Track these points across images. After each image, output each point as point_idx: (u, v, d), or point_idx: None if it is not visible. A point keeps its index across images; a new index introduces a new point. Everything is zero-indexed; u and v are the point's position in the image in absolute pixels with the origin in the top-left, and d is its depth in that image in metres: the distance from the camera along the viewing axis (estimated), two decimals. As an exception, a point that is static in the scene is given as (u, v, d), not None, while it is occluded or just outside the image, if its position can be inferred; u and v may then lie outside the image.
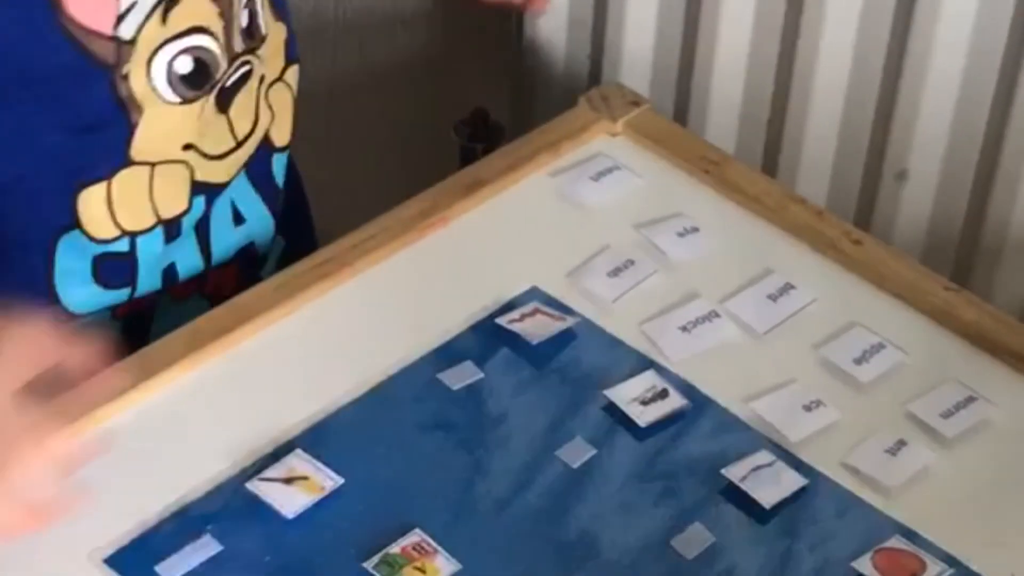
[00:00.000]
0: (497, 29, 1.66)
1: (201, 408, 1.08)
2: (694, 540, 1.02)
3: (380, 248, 1.17)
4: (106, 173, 1.11)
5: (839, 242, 1.22)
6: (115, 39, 1.07)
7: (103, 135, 1.10)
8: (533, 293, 1.16)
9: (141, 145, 1.11)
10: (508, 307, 1.15)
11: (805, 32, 1.47)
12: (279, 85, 1.21)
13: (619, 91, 1.34)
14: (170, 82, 1.10)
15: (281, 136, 1.23)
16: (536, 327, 1.14)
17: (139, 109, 1.10)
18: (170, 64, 1.09)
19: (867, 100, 1.48)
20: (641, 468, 1.06)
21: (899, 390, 1.11)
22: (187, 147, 1.14)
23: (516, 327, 1.14)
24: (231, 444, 1.05)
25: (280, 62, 1.21)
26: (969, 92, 1.43)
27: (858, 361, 1.13)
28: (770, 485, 1.04)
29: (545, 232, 1.22)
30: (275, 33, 1.19)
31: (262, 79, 1.18)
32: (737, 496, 1.04)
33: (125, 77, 1.08)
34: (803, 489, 1.04)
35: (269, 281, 1.15)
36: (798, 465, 1.06)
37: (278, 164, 1.23)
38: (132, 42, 1.07)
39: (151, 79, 1.09)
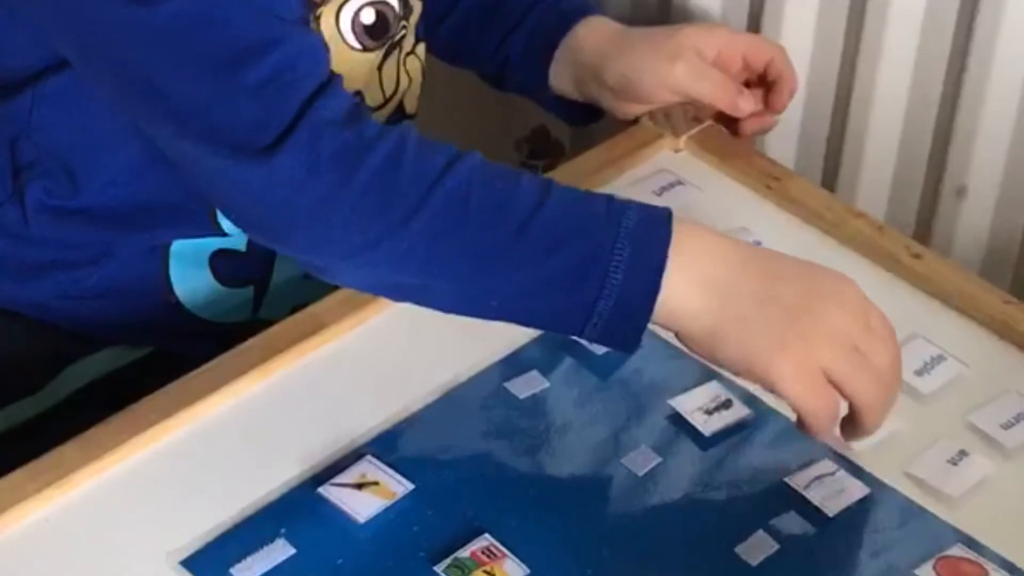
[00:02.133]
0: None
1: (275, 414, 1.10)
2: (758, 547, 1.03)
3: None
4: None
5: (899, 256, 1.23)
6: None
7: None
8: (598, 304, 1.18)
9: None
10: (574, 318, 1.17)
11: (865, 49, 1.48)
12: (412, 57, 1.28)
13: (681, 107, 1.35)
14: (354, 29, 1.18)
15: (411, 104, 1.29)
16: (601, 338, 1.16)
17: (327, 49, 1.14)
18: (356, 13, 1.17)
19: (926, 117, 1.49)
20: (705, 476, 1.07)
21: (960, 401, 1.13)
22: (356, 93, 1.20)
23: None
24: (304, 450, 1.07)
25: (413, 36, 1.28)
26: (1028, 109, 1.44)
27: (919, 372, 1.14)
28: (833, 494, 1.05)
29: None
30: (416, 8, 1.27)
31: (401, 47, 1.25)
32: (800, 504, 1.05)
33: (317, 19, 1.15)
34: (866, 498, 1.06)
35: (341, 291, 1.17)
36: (860, 474, 1.07)
37: None
38: None
39: (339, 23, 1.17)
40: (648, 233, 1.02)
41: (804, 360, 1.01)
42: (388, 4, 1.21)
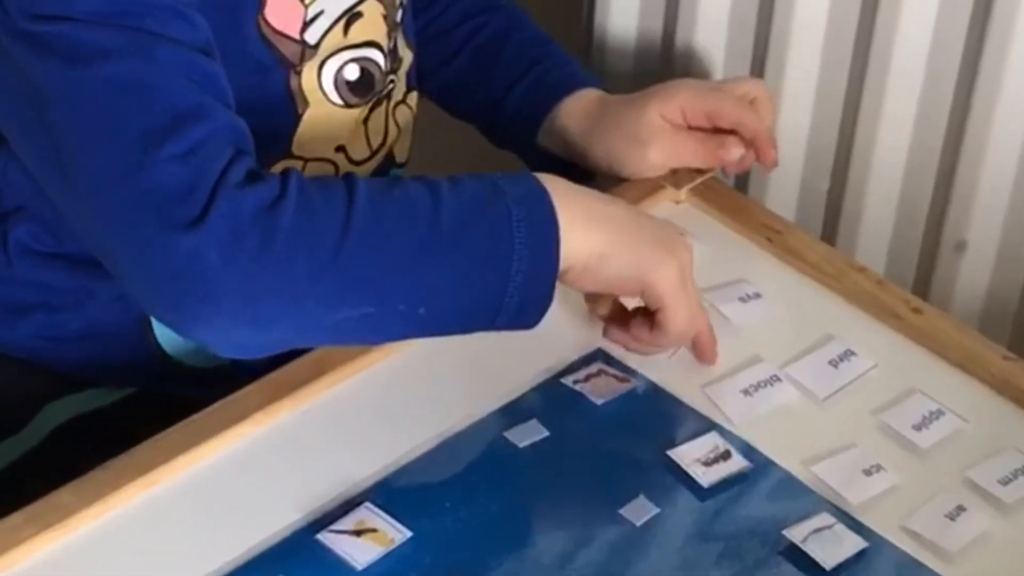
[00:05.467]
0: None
1: (274, 460, 1.10)
2: (755, 599, 1.03)
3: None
4: (268, 162, 1.18)
5: (899, 310, 1.24)
6: (301, 43, 1.17)
7: (272, 123, 1.18)
8: (598, 354, 1.19)
9: (302, 139, 1.20)
10: (574, 367, 1.17)
11: (866, 103, 1.49)
12: (403, 106, 1.29)
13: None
14: (336, 85, 1.20)
15: (401, 153, 1.31)
16: (601, 387, 1.16)
17: (306, 104, 1.18)
18: (340, 69, 1.19)
19: (927, 171, 1.50)
20: (703, 528, 1.07)
21: (958, 456, 1.13)
22: (338, 149, 1.23)
23: (581, 387, 1.16)
24: (303, 496, 1.07)
25: (404, 86, 1.29)
26: (1028, 165, 1.45)
27: (918, 427, 1.14)
28: (831, 547, 1.05)
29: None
30: (406, 58, 1.29)
31: (391, 98, 1.27)
32: (798, 557, 1.05)
33: (298, 72, 1.17)
34: (863, 551, 1.06)
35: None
36: (858, 528, 1.07)
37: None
38: (315, 47, 1.17)
39: (321, 79, 1.19)
40: (528, 192, 1.08)
41: (679, 264, 1.12)
42: (373, 61, 1.21)
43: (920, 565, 1.05)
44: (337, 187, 1.05)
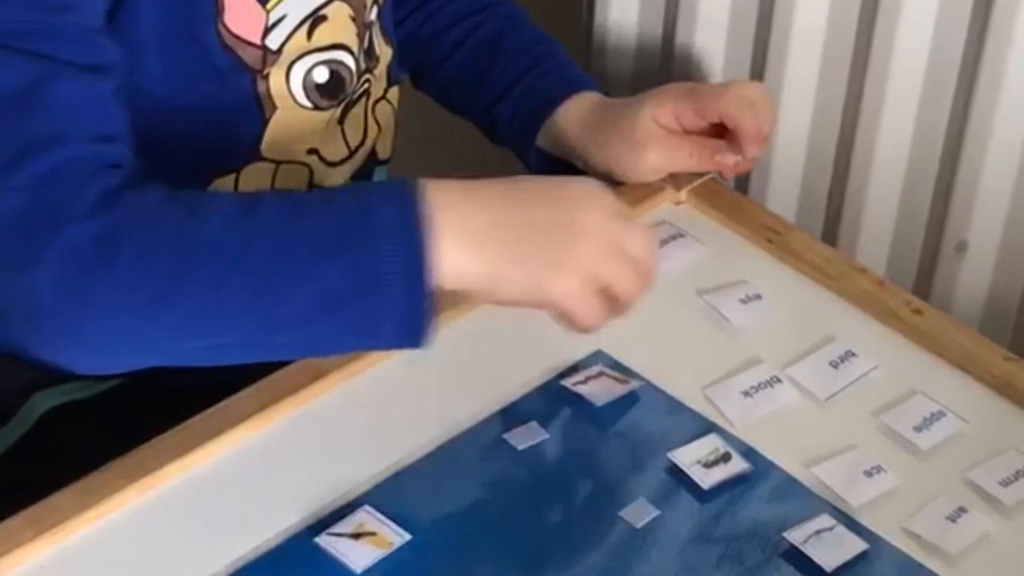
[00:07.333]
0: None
1: (272, 463, 1.09)
2: (755, 602, 1.03)
3: (450, 309, 1.18)
4: (237, 165, 1.18)
5: (900, 311, 1.24)
6: (263, 48, 1.16)
7: (240, 128, 1.17)
8: (598, 356, 1.18)
9: (271, 143, 1.19)
10: (573, 369, 1.17)
11: (866, 104, 1.49)
12: (383, 103, 1.29)
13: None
14: (305, 88, 1.19)
15: (384, 149, 1.31)
16: (601, 389, 1.16)
17: (273, 107, 1.18)
18: (308, 72, 1.18)
19: (928, 172, 1.49)
20: (704, 530, 1.07)
21: (959, 458, 1.13)
22: (311, 151, 1.22)
23: (581, 389, 1.15)
24: (301, 499, 1.06)
25: (384, 82, 1.29)
26: (1029, 166, 1.45)
27: (918, 428, 1.14)
28: (831, 549, 1.05)
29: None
30: (384, 55, 1.28)
31: (370, 95, 1.26)
32: (798, 559, 1.05)
33: (265, 77, 1.17)
34: (864, 553, 1.05)
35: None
36: (859, 529, 1.07)
37: (379, 176, 1.31)
38: (277, 52, 1.16)
39: (288, 82, 1.18)
40: (403, 221, 1.01)
41: (579, 273, 1.04)
42: (342, 63, 1.21)
43: (921, 567, 1.05)
44: (191, 215, 1.01)
